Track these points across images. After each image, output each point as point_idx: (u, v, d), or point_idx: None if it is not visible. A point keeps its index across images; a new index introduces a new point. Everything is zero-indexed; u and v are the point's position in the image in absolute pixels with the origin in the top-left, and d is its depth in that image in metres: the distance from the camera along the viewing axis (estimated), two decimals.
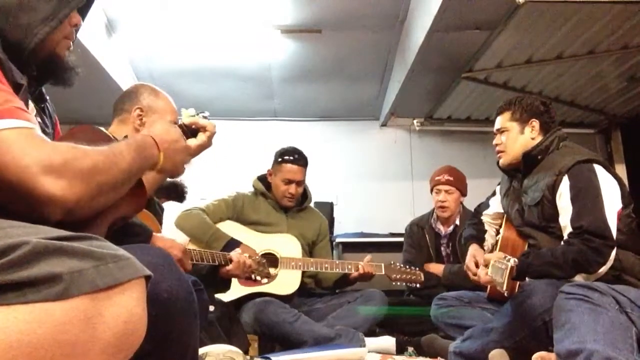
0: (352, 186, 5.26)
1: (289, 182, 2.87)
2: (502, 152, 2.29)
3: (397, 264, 2.81)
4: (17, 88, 1.00)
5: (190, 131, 1.52)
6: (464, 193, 3.37)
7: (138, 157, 1.01)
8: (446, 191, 3.30)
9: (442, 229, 3.35)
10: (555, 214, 2.05)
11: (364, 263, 2.74)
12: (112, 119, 1.93)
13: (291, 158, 2.90)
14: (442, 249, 3.33)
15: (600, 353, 1.44)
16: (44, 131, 1.14)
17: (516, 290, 2.11)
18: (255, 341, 2.51)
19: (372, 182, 5.30)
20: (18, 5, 1.05)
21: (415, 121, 5.19)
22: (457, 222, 3.30)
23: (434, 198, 3.38)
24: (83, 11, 1.27)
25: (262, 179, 3.00)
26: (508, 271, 1.88)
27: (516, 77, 4.02)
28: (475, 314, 2.43)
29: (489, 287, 2.33)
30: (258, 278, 2.51)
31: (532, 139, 2.22)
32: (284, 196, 2.88)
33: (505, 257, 1.94)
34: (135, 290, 0.72)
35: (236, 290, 2.63)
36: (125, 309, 0.70)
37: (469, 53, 3.62)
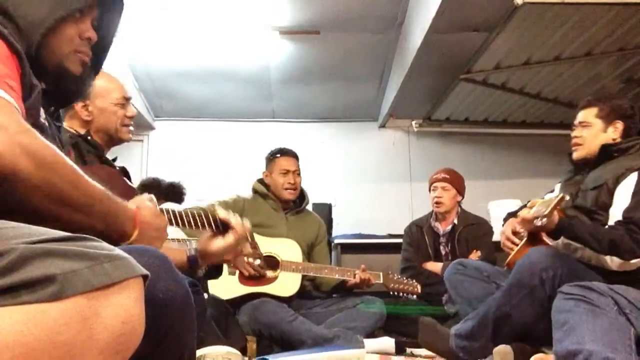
0: (350, 187, 5.26)
1: (286, 173, 2.92)
2: (579, 145, 2.25)
3: (395, 275, 2.83)
4: (32, 88, 1.00)
5: (222, 226, 1.46)
6: (461, 193, 3.39)
7: (106, 209, 0.98)
8: (442, 187, 3.35)
9: (441, 228, 3.36)
10: (609, 203, 2.02)
11: (360, 272, 2.75)
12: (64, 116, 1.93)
13: (282, 152, 3.00)
14: (441, 247, 3.35)
15: (598, 354, 1.45)
16: (53, 140, 1.14)
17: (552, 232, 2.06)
18: (254, 342, 2.51)
19: (371, 183, 5.30)
20: (20, 14, 1.05)
21: (413, 122, 5.19)
22: (456, 221, 3.32)
23: (430, 196, 3.41)
24: (108, 30, 1.28)
25: (262, 181, 3.02)
26: (558, 199, 1.84)
27: (514, 78, 4.02)
28: (484, 293, 2.33)
29: (511, 254, 2.27)
30: (250, 260, 2.50)
31: (613, 139, 2.18)
32: (284, 189, 2.90)
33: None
34: (133, 290, 0.71)
35: (236, 288, 2.63)
36: (122, 309, 0.69)
37: (467, 54, 3.63)
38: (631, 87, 4.00)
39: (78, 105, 1.86)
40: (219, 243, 1.44)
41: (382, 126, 5.42)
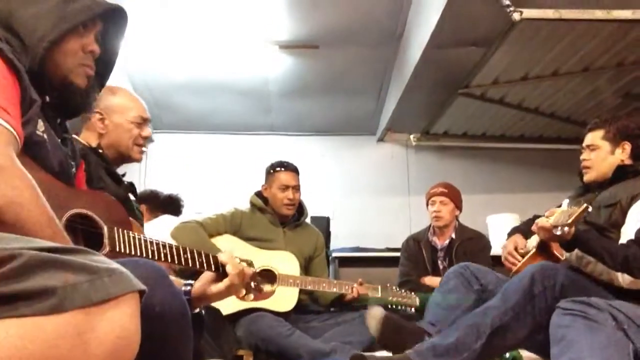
0: (348, 201, 5.25)
1: (285, 188, 2.89)
2: (588, 168, 2.25)
3: (394, 287, 2.82)
4: (31, 103, 1.02)
5: (222, 268, 1.37)
6: (458, 207, 3.39)
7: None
8: (440, 202, 3.34)
9: (438, 242, 3.36)
10: (622, 222, 2.02)
11: (358, 286, 2.74)
12: (81, 128, 1.93)
13: (282, 166, 2.96)
14: (439, 262, 3.34)
15: None
16: (55, 151, 1.15)
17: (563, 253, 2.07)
18: (250, 356, 2.49)
19: (369, 197, 5.29)
20: (24, 29, 1.07)
21: (411, 136, 5.20)
22: (453, 235, 3.32)
23: (429, 210, 3.41)
24: (112, 43, 1.29)
25: (259, 194, 3.01)
26: (582, 209, 1.82)
27: (512, 93, 4.04)
28: (462, 298, 2.20)
29: (520, 264, 2.23)
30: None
31: (622, 160, 2.18)
32: (283, 204, 2.89)
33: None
34: (129, 305, 0.71)
35: (232, 304, 2.61)
36: (118, 324, 0.69)
37: (465, 69, 3.64)
38: (629, 102, 4.02)
39: (95, 117, 1.86)
40: (216, 288, 1.35)
41: (381, 140, 5.43)
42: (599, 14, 2.75)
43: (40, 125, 1.08)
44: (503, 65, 3.50)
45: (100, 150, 1.86)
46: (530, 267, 1.95)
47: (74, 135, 1.86)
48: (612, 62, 3.42)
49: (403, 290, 2.81)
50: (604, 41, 3.12)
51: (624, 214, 2.02)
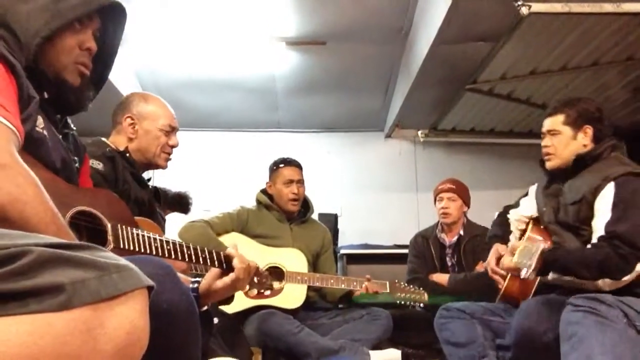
0: (356, 197, 5.25)
1: (289, 183, 2.91)
2: (551, 154, 2.20)
3: (402, 283, 2.80)
4: (29, 100, 1.02)
5: (226, 263, 1.39)
6: (466, 203, 3.38)
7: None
8: (448, 198, 3.32)
9: (447, 239, 3.35)
10: (591, 216, 1.99)
11: (367, 283, 2.73)
12: (111, 131, 1.96)
13: (285, 162, 2.99)
14: (447, 259, 3.33)
15: None
16: (56, 147, 1.15)
17: (535, 284, 2.07)
18: (259, 354, 2.50)
19: (377, 193, 5.29)
20: (20, 26, 1.07)
21: (419, 132, 5.18)
22: (462, 232, 3.31)
23: (437, 207, 3.40)
24: (112, 40, 1.29)
25: (265, 191, 3.01)
26: (539, 252, 1.83)
27: (520, 88, 4.01)
28: (465, 332, 2.28)
29: (503, 287, 2.22)
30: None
31: (584, 145, 2.12)
32: (288, 199, 2.90)
33: (536, 242, 1.91)
34: (138, 301, 0.71)
35: (241, 302, 2.61)
36: (127, 320, 0.69)
37: (473, 65, 3.62)
38: (638, 97, 3.98)
39: (126, 122, 1.91)
40: (221, 282, 1.37)
41: (388, 136, 5.42)
42: (608, 7, 2.72)
43: (40, 122, 1.08)
44: (511, 60, 3.47)
45: (128, 154, 1.89)
46: (519, 316, 1.94)
47: (102, 139, 1.89)
48: (621, 56, 3.38)
49: (411, 286, 2.80)
50: (613, 35, 3.09)
51: (590, 207, 1.99)
